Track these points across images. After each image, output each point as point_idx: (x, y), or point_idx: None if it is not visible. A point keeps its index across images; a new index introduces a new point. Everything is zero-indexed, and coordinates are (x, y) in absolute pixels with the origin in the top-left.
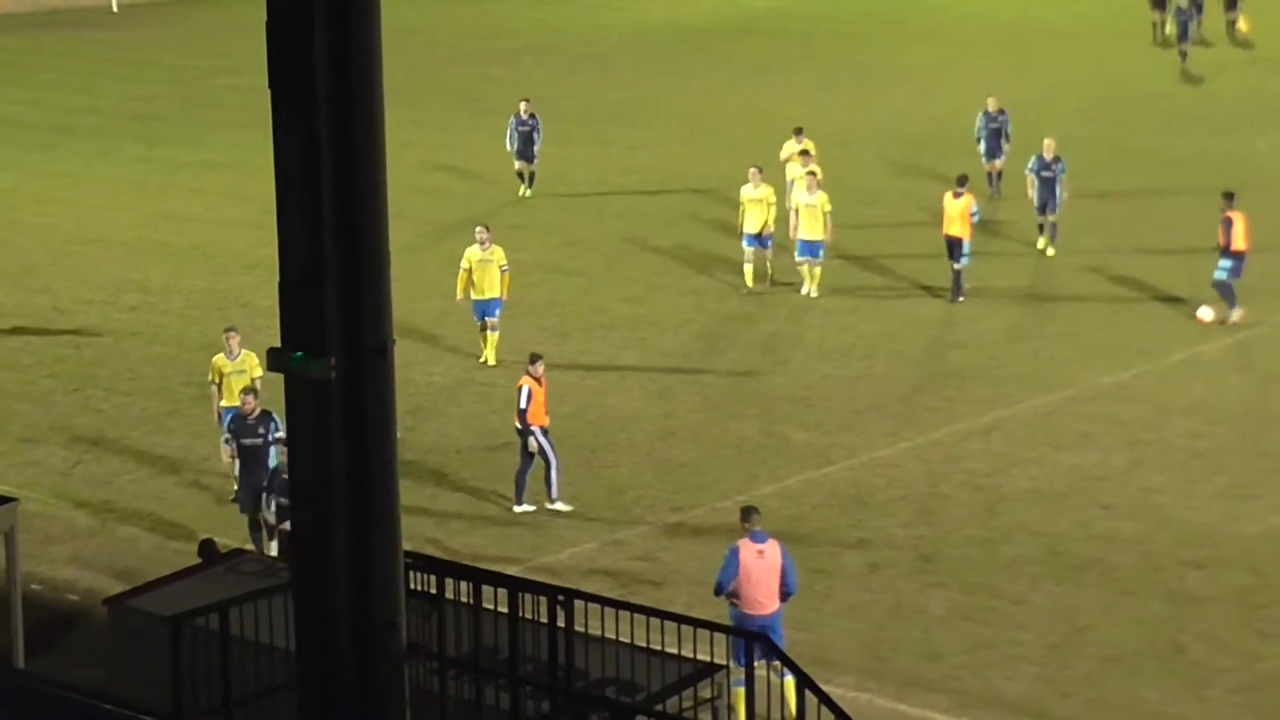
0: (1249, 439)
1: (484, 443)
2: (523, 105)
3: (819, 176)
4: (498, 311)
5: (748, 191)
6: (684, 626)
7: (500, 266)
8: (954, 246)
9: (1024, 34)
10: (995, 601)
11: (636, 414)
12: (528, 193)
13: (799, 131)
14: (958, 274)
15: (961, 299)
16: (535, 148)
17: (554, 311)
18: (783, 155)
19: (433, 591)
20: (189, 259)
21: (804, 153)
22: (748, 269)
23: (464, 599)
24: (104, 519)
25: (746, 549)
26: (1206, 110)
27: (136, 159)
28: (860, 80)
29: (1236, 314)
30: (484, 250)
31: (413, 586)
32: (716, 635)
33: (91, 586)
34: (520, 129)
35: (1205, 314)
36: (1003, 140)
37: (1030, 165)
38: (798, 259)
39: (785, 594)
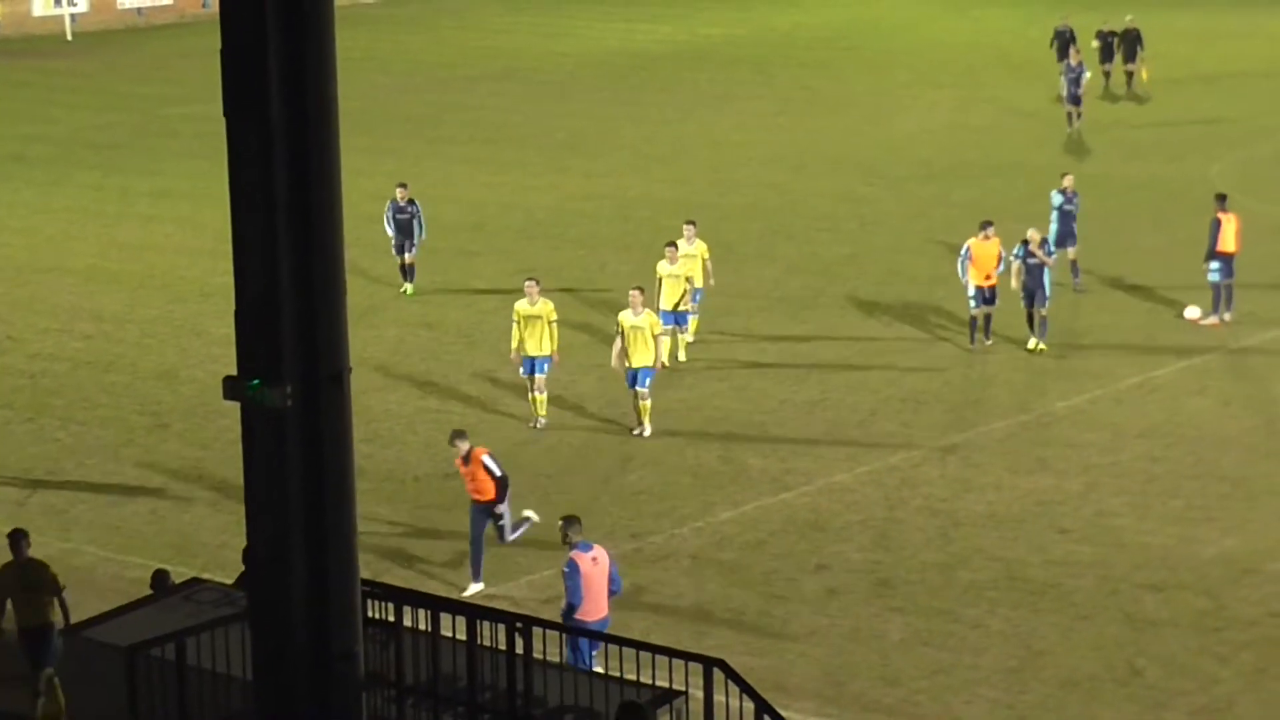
0: (1204, 463)
1: (440, 470)
2: (399, 191)
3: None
4: None
5: (523, 307)
6: (642, 653)
7: None
8: (992, 293)
9: (976, 61)
10: (953, 626)
11: (594, 440)
12: (409, 290)
13: (690, 223)
14: (988, 316)
15: (990, 341)
16: (415, 239)
17: (510, 339)
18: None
19: (391, 619)
20: (144, 287)
21: (671, 244)
22: (538, 399)
23: (422, 627)
24: (60, 548)
25: (583, 560)
26: (1159, 137)
27: (91, 187)
28: (814, 106)
29: (1228, 315)
30: None
31: (370, 615)
32: (675, 661)
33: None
34: (398, 217)
35: (1192, 313)
36: (1074, 224)
37: (1015, 251)
38: (629, 388)
39: (611, 593)
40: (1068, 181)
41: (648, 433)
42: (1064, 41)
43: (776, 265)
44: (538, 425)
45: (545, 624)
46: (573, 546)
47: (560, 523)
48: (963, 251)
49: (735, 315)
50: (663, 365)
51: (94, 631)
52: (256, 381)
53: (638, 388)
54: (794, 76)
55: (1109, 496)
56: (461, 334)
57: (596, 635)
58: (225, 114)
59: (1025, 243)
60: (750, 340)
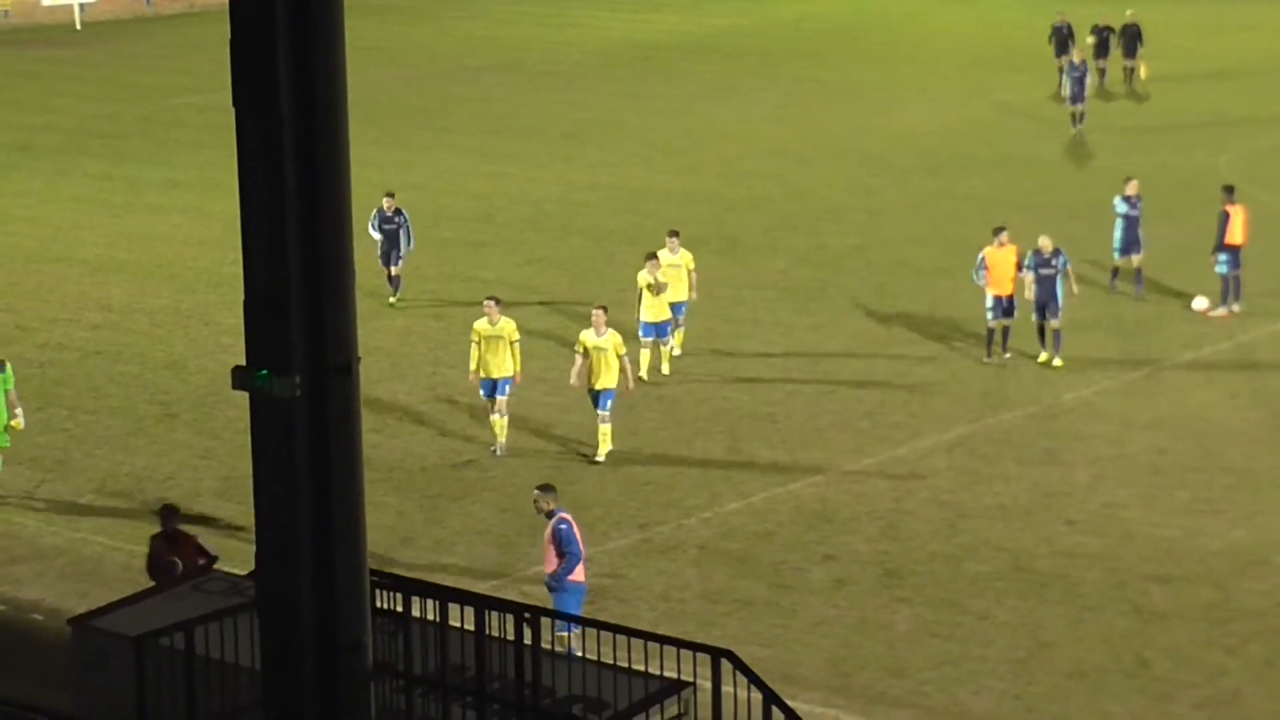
0: (1211, 454)
1: (448, 460)
2: (385, 201)
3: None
4: None
5: (483, 326)
6: (650, 643)
7: None
8: (1010, 303)
9: (982, 53)
10: (960, 617)
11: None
12: (393, 300)
13: (673, 234)
14: (1006, 329)
15: (1008, 355)
16: (401, 250)
17: (517, 329)
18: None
19: (399, 610)
20: (152, 277)
21: (651, 256)
22: (499, 423)
23: (431, 617)
24: (69, 538)
25: (572, 519)
26: (1167, 129)
27: (99, 177)
28: (820, 98)
29: (1237, 306)
30: None
31: (379, 605)
32: (682, 652)
33: (56, 606)
34: (384, 228)
35: (1200, 304)
36: (1140, 231)
37: (1027, 261)
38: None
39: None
40: (1131, 188)
41: (601, 458)
42: (1061, 38)
43: (783, 257)
44: (498, 452)
45: (554, 614)
46: (553, 514)
47: (536, 493)
48: (978, 261)
49: (742, 306)
50: (640, 379)
51: (103, 621)
52: (265, 371)
53: (599, 410)
54: (800, 68)
55: (1116, 488)
56: (469, 324)
57: (574, 619)
58: (234, 105)
59: (1037, 252)
60: (757, 331)
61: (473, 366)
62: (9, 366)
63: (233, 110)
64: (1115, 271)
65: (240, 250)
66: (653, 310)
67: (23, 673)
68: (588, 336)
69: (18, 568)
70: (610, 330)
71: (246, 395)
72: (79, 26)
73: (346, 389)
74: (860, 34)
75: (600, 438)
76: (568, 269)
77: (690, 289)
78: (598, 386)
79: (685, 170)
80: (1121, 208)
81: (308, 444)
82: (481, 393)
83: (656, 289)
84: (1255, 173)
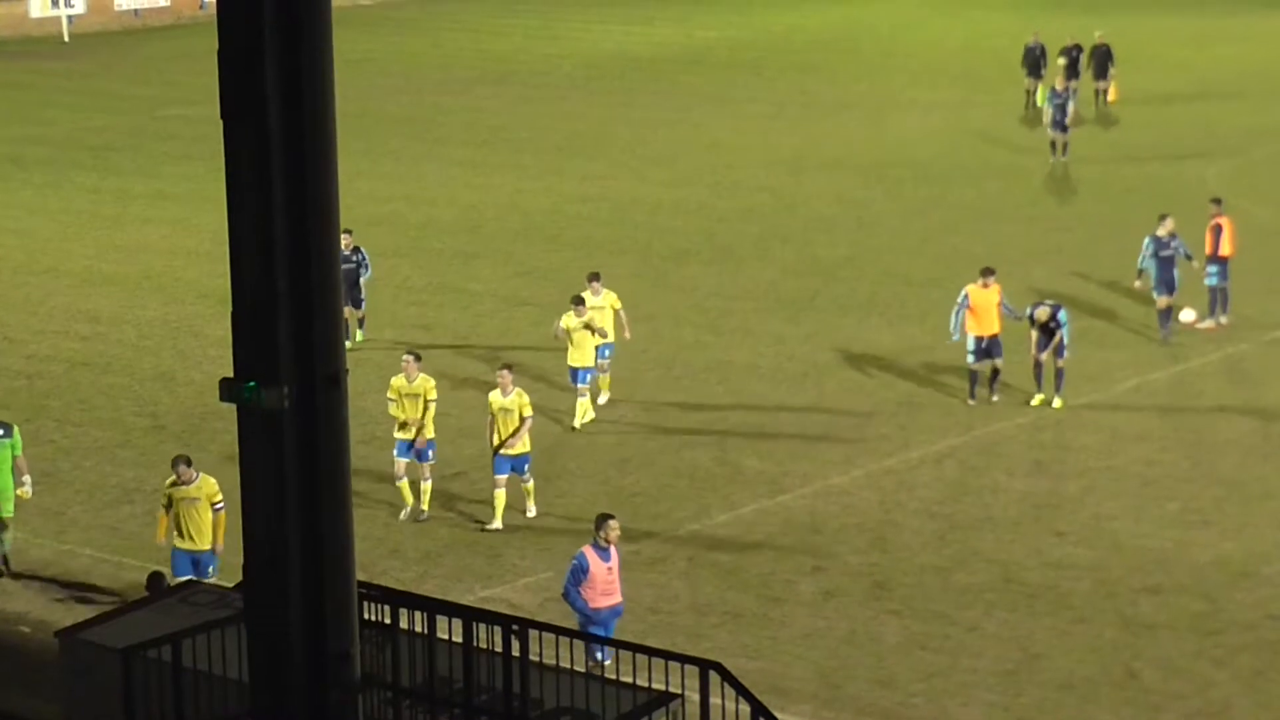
0: (1200, 466)
1: (437, 472)
2: (343, 238)
3: (510, 373)
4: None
5: (400, 384)
6: (639, 655)
7: (212, 504)
8: (993, 344)
9: (973, 64)
10: (949, 629)
11: (590, 442)
12: (359, 337)
13: (595, 277)
14: (995, 370)
15: (996, 397)
16: (361, 290)
17: (507, 341)
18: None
19: (387, 621)
20: (140, 289)
21: (577, 301)
22: (402, 486)
23: (418, 628)
24: (56, 550)
25: None
26: (1156, 139)
27: (88, 189)
28: (811, 109)
29: (1224, 319)
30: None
31: (367, 616)
32: (671, 664)
33: (43, 618)
34: (342, 266)
35: (1188, 316)
36: (1176, 271)
37: (1028, 311)
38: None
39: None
40: (1163, 229)
41: (533, 513)
42: (1034, 59)
43: (773, 267)
44: (421, 517)
45: (542, 626)
46: (611, 545)
47: (616, 524)
48: (960, 299)
49: (733, 317)
50: (573, 429)
51: (90, 633)
52: (253, 383)
53: (518, 474)
54: (791, 79)
55: (1106, 499)
56: (458, 336)
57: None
58: (223, 117)
59: (1034, 318)
60: (747, 342)
61: (398, 423)
62: (17, 431)
63: (221, 123)
64: (1161, 313)
65: (229, 262)
66: (578, 355)
67: (10, 684)
68: (495, 397)
69: (4, 579)
70: (517, 390)
71: (235, 407)
72: (67, 39)
73: (335, 400)
74: (851, 45)
75: (525, 495)
76: (557, 280)
77: (621, 329)
78: (506, 451)
79: (676, 181)
80: (1150, 248)
81: (296, 455)
82: (395, 453)
83: (597, 334)
84: (1244, 185)
